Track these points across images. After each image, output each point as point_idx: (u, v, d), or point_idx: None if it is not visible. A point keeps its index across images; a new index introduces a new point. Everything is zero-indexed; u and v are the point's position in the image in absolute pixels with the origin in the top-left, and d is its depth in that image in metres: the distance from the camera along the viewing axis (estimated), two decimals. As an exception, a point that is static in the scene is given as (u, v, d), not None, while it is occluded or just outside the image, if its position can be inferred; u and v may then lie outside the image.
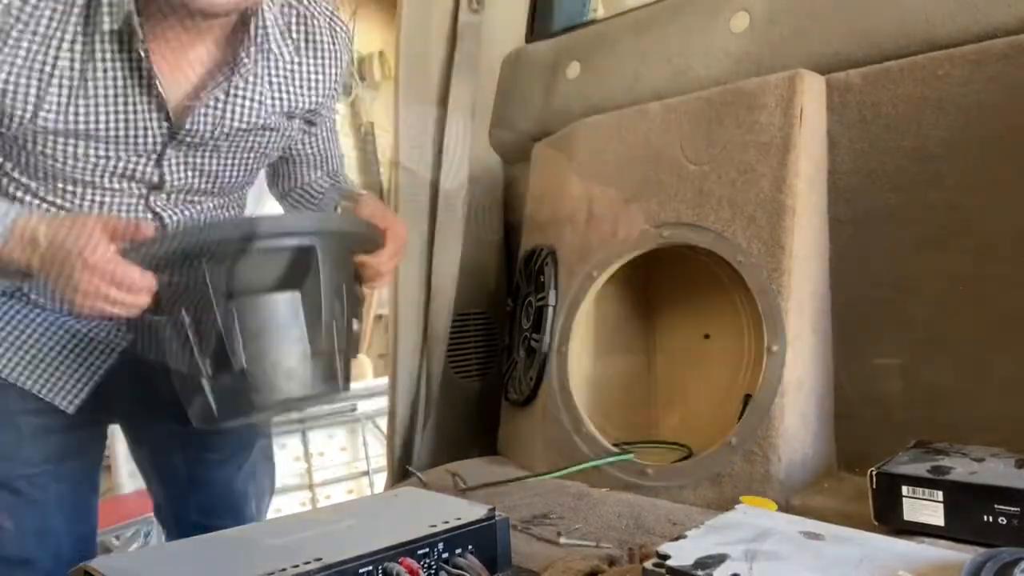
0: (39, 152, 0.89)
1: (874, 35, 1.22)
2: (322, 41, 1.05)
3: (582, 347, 1.41)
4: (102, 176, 0.94)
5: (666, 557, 0.67)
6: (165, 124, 0.93)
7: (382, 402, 2.87)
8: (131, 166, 0.95)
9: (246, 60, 0.95)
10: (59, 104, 0.86)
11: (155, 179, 0.98)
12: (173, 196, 1.01)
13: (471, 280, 1.70)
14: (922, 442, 1.04)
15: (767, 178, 1.17)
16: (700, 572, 0.64)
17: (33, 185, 0.93)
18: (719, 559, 0.67)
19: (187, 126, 0.94)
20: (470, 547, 0.79)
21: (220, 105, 0.97)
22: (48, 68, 0.85)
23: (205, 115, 0.96)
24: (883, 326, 1.17)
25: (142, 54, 0.85)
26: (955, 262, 1.11)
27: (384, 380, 2.85)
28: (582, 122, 1.48)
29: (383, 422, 2.98)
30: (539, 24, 1.83)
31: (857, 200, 1.20)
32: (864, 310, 1.19)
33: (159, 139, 0.94)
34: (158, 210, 1.00)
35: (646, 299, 1.57)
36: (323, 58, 1.05)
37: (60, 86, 0.86)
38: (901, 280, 1.16)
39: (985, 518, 0.84)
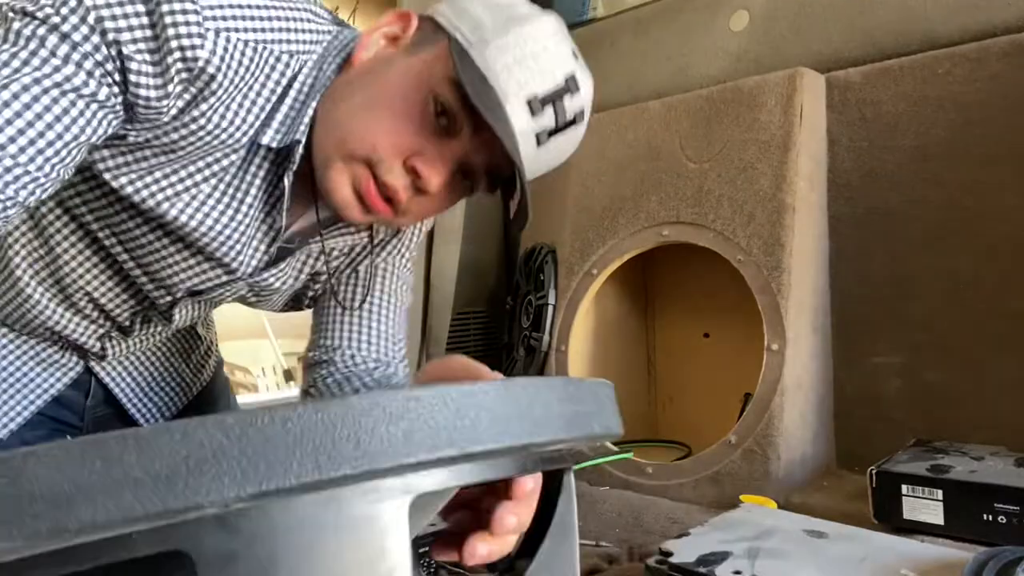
0: (132, 216, 0.77)
1: (874, 33, 1.22)
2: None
3: (582, 346, 1.41)
4: (163, 269, 0.82)
5: (668, 554, 0.67)
6: (269, 252, 0.81)
7: (380, 401, 2.87)
8: (204, 274, 0.82)
9: (384, 236, 0.88)
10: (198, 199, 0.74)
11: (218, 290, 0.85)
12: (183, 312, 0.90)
13: (471, 279, 1.69)
14: (921, 441, 1.05)
15: (767, 176, 1.17)
16: (702, 569, 0.64)
17: (94, 226, 0.80)
18: (721, 556, 0.67)
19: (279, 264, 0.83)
20: (470, 545, 0.79)
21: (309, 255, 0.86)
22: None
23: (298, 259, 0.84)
24: (883, 325, 1.17)
25: (285, 183, 0.74)
26: (955, 262, 1.11)
27: (382, 379, 2.84)
28: (582, 120, 1.47)
29: (381, 421, 2.97)
30: (539, 22, 1.83)
31: (857, 199, 1.20)
32: (864, 309, 1.19)
33: (252, 264, 0.80)
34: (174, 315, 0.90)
35: (646, 298, 1.57)
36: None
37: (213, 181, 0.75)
38: (901, 279, 1.16)
39: (985, 517, 0.84)
